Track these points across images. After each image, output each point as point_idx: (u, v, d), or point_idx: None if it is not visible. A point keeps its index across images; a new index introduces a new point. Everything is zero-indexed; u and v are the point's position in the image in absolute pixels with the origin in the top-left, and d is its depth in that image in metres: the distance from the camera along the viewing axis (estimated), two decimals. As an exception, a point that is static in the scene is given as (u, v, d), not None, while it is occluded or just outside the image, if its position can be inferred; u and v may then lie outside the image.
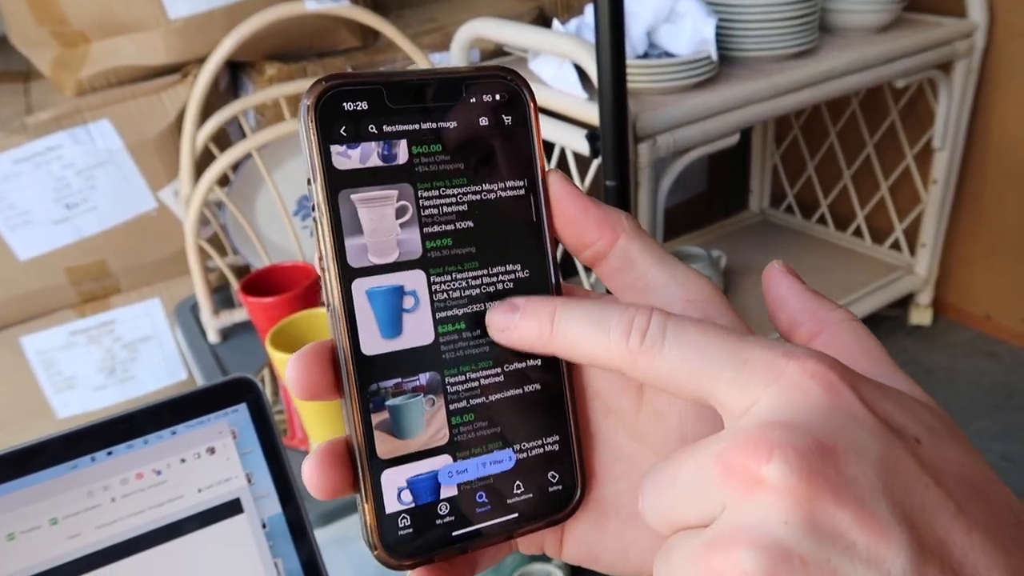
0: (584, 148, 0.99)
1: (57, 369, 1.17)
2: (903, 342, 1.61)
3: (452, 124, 0.24)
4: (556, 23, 1.14)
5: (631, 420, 0.24)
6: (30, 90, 1.12)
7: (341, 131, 0.22)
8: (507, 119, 0.24)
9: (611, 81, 0.88)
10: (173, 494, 0.35)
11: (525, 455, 0.24)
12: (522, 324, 0.22)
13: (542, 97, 1.07)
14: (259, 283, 0.92)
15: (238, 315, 1.06)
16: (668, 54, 1.10)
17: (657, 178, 1.05)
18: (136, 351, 1.20)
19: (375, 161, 0.23)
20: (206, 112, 1.02)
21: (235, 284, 1.04)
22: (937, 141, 1.42)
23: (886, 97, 1.53)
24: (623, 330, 0.20)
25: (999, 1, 1.35)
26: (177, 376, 1.24)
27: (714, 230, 1.79)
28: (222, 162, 0.94)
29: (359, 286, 0.23)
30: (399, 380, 0.23)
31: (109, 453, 0.34)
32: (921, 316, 1.63)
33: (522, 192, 0.24)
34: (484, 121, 0.24)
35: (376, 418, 0.22)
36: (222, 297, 1.13)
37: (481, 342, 0.24)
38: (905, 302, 1.62)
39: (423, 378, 0.23)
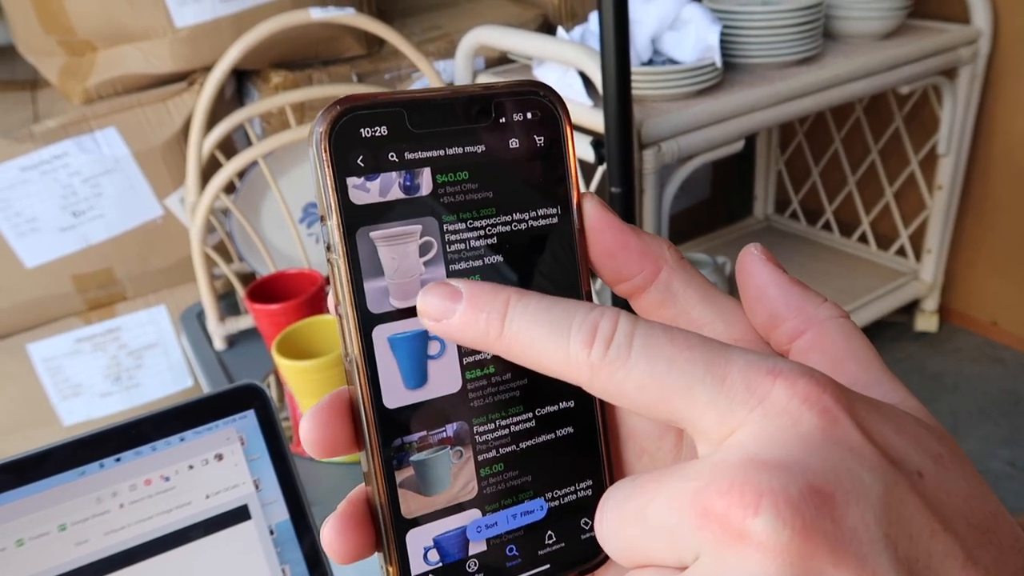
0: (589, 155, 0.99)
1: (63, 376, 1.17)
2: (909, 348, 1.61)
3: (480, 148, 0.21)
4: (560, 30, 1.14)
5: (668, 463, 0.23)
6: (37, 98, 1.13)
7: (359, 161, 0.20)
8: (539, 140, 0.22)
9: (616, 88, 0.88)
10: (181, 500, 0.35)
11: (557, 503, 0.22)
12: (464, 316, 0.19)
13: (547, 104, 1.07)
14: (265, 290, 0.92)
15: (244, 322, 1.06)
16: (672, 61, 1.10)
17: (662, 184, 1.05)
18: (142, 358, 1.21)
19: (396, 193, 0.21)
20: (212, 120, 1.03)
21: (241, 291, 1.05)
22: (942, 147, 1.42)
23: (890, 103, 1.53)
24: (584, 338, 0.17)
25: (1003, 7, 1.35)
26: (183, 383, 1.24)
27: (719, 236, 1.79)
28: (228, 169, 0.94)
29: (380, 334, 0.21)
30: (424, 433, 0.21)
31: (118, 459, 0.34)
32: (927, 322, 1.62)
33: (555, 220, 0.22)
34: (515, 144, 0.22)
35: (400, 475, 0.21)
36: (228, 304, 1.14)
37: (512, 386, 0.22)
38: (911, 308, 1.62)
39: (450, 429, 0.21)
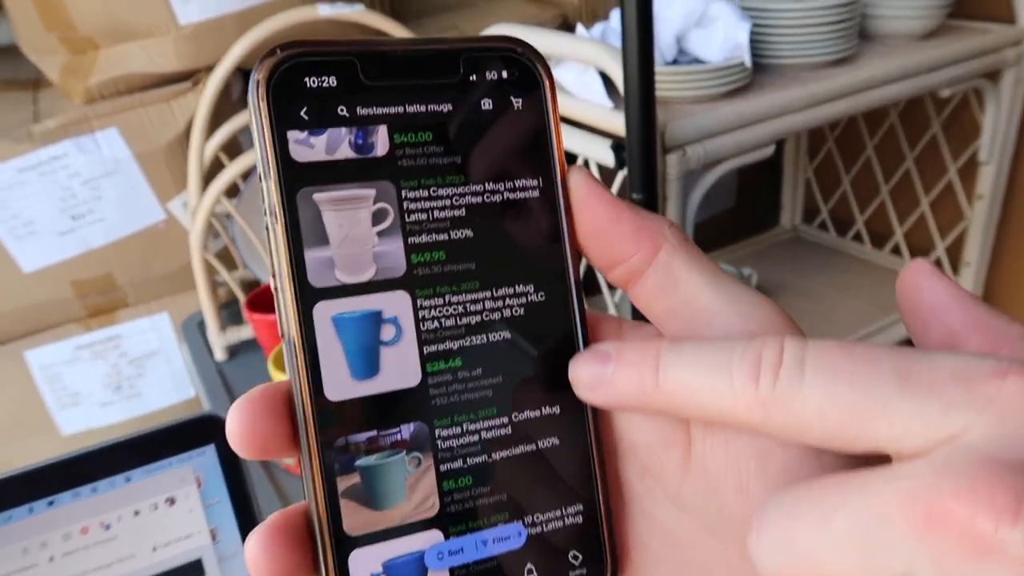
0: (609, 159, 0.94)
1: (62, 384, 1.13)
2: None
3: (447, 107, 0.19)
4: (580, 28, 1.09)
5: (675, 483, 0.19)
6: (39, 98, 1.09)
7: (302, 114, 0.18)
8: (516, 103, 0.19)
9: (638, 88, 0.82)
10: (123, 553, 0.30)
11: (539, 529, 0.19)
12: (619, 376, 0.17)
13: (565, 106, 1.02)
14: (267, 298, 0.88)
15: (246, 332, 1.02)
16: (699, 60, 1.05)
17: (686, 191, 0.99)
18: (143, 367, 1.17)
19: (346, 152, 0.18)
20: (217, 121, 0.99)
21: (243, 299, 1.00)
22: (983, 154, 1.35)
23: (927, 108, 1.46)
24: (749, 371, 0.15)
25: (1050, 7, 1.28)
26: (185, 393, 1.20)
27: (744, 247, 1.72)
28: (230, 172, 0.90)
29: (323, 311, 0.18)
30: (374, 433, 0.18)
31: (50, 503, 0.29)
32: (964, 339, 1.55)
33: (536, 194, 0.19)
34: (487, 104, 0.19)
35: (343, 483, 0.17)
36: (231, 312, 1.10)
37: (483, 384, 0.19)
38: (947, 324, 1.54)
39: (406, 430, 0.18)
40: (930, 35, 1.23)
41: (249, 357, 1.02)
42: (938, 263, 1.54)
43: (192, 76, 1.07)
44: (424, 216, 0.18)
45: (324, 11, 0.93)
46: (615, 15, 1.06)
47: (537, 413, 0.19)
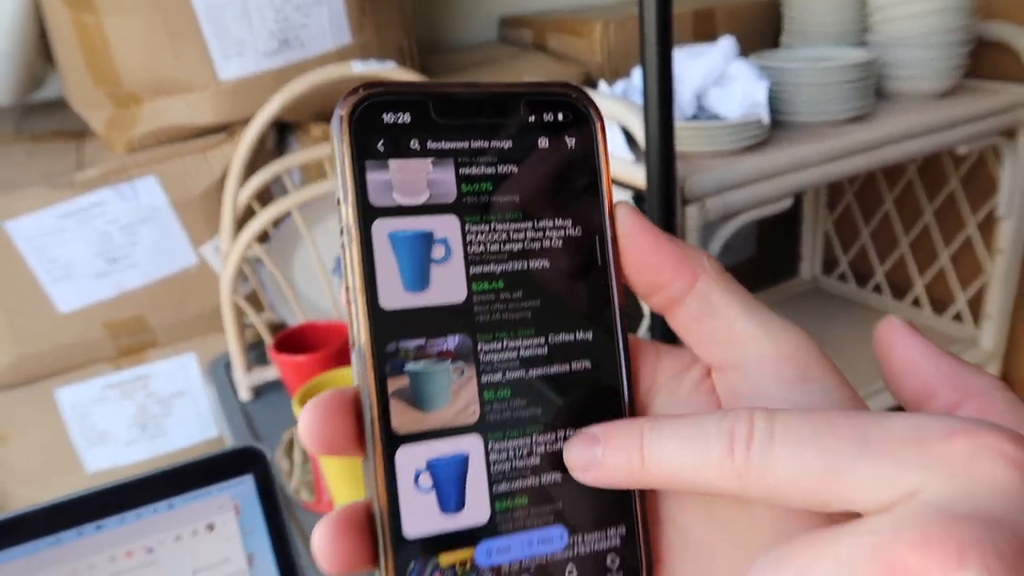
0: (629, 210, 0.96)
1: (90, 423, 1.16)
2: None
3: (507, 145, 0.21)
4: (603, 84, 1.12)
5: (708, 499, 0.20)
6: (83, 148, 1.14)
7: (378, 146, 0.20)
8: (570, 142, 0.21)
9: (659, 141, 0.85)
10: (165, 575, 0.31)
11: (581, 534, 0.20)
12: (608, 459, 0.19)
13: (586, 158, 1.05)
14: (292, 341, 0.90)
15: (270, 373, 1.04)
16: (718, 117, 1.08)
17: (705, 242, 1.01)
18: (169, 406, 1.19)
19: (417, 181, 0.20)
20: (251, 171, 1.03)
21: (269, 341, 1.03)
22: (1002, 209, 1.36)
23: (945, 164, 1.48)
24: (724, 446, 0.17)
25: (1065, 67, 1.30)
26: (208, 433, 1.22)
27: (763, 297, 1.73)
28: (261, 219, 0.93)
29: (380, 228, 0.20)
30: (423, 342, 0.19)
31: (98, 527, 0.31)
32: (988, 394, 1.53)
33: (585, 226, 0.21)
34: (544, 143, 0.21)
35: (393, 384, 0.19)
36: (258, 354, 1.12)
37: (523, 306, 0.20)
38: (970, 378, 1.53)
39: (451, 342, 0.20)
40: (946, 94, 1.25)
41: (272, 397, 1.04)
42: (959, 317, 1.53)
43: (227, 128, 1.11)
44: (477, 172, 0.20)
45: (357, 68, 0.98)
46: (636, 73, 1.10)
47: (572, 337, 0.21)
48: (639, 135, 0.90)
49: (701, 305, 0.21)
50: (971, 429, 0.15)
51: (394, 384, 0.19)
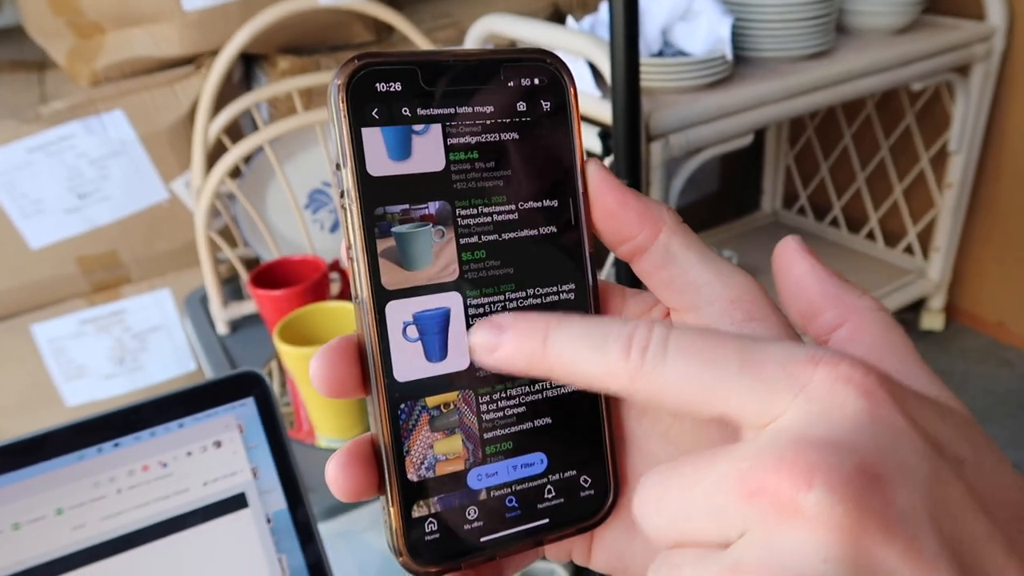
0: (596, 146, 0.98)
1: (67, 357, 1.17)
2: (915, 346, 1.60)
3: (489, 108, 0.22)
4: (571, 20, 1.13)
5: (667, 425, 0.23)
6: (45, 80, 1.12)
7: (373, 113, 0.21)
8: (546, 105, 0.23)
9: (624, 79, 0.87)
10: (179, 487, 0.35)
11: (558, 459, 0.23)
12: (510, 343, 0.20)
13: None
14: (268, 276, 0.92)
15: (247, 307, 1.06)
16: (683, 53, 1.09)
17: (669, 177, 1.04)
18: (146, 341, 1.21)
19: (410, 145, 0.22)
20: (219, 104, 1.02)
21: (245, 276, 1.04)
22: (953, 144, 1.41)
23: (902, 100, 1.52)
24: (621, 347, 0.18)
25: (1019, 4, 1.33)
26: (186, 367, 1.24)
27: (726, 230, 1.78)
28: (234, 154, 0.94)
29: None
30: (407, 206, 0.21)
31: (116, 444, 0.34)
32: (933, 321, 1.61)
33: (559, 181, 0.23)
34: (522, 107, 0.23)
35: (382, 244, 0.21)
36: (232, 289, 1.14)
37: (497, 174, 0.23)
38: (917, 306, 1.61)
39: (432, 207, 0.22)
40: (904, 30, 1.28)
41: (250, 331, 1.07)
42: (910, 249, 1.60)
43: (195, 60, 1.10)
44: (464, 131, 0.22)
45: (324, 1, 0.97)
46: (604, 7, 1.11)
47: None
48: (606, 71, 0.91)
49: (662, 255, 0.22)
50: (832, 359, 0.16)
51: (382, 244, 0.21)
